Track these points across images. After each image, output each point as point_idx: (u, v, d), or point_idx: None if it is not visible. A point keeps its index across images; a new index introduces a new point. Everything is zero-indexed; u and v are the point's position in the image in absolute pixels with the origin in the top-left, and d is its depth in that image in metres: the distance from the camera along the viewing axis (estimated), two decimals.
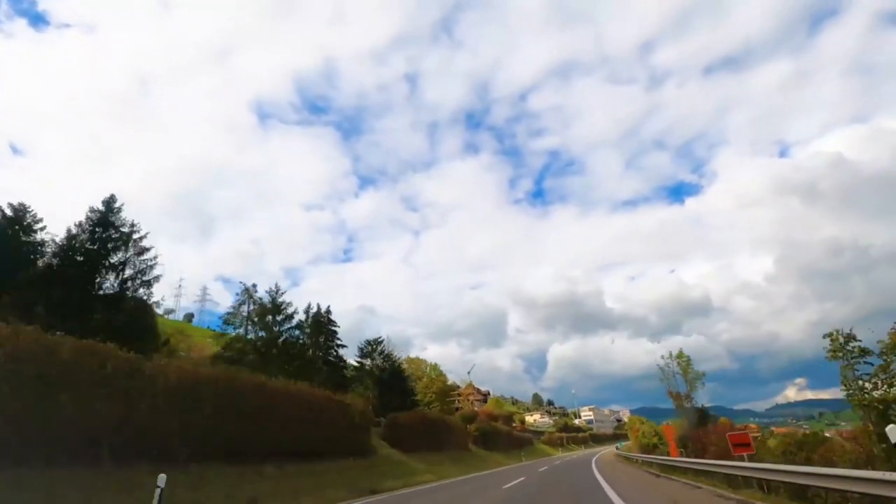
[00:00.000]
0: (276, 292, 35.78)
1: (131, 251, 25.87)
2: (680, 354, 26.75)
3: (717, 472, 13.60)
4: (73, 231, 24.39)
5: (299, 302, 62.09)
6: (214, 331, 39.65)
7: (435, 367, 71.43)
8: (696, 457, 19.65)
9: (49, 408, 8.30)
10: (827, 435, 15.24)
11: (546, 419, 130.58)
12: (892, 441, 7.17)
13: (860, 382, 11.92)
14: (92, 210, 25.08)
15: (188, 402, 11.49)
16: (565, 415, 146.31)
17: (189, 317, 79.14)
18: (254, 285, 35.85)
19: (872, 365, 11.71)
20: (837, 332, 12.32)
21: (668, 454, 27.13)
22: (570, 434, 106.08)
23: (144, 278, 26.26)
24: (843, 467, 10.27)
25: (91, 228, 24.85)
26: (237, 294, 35.84)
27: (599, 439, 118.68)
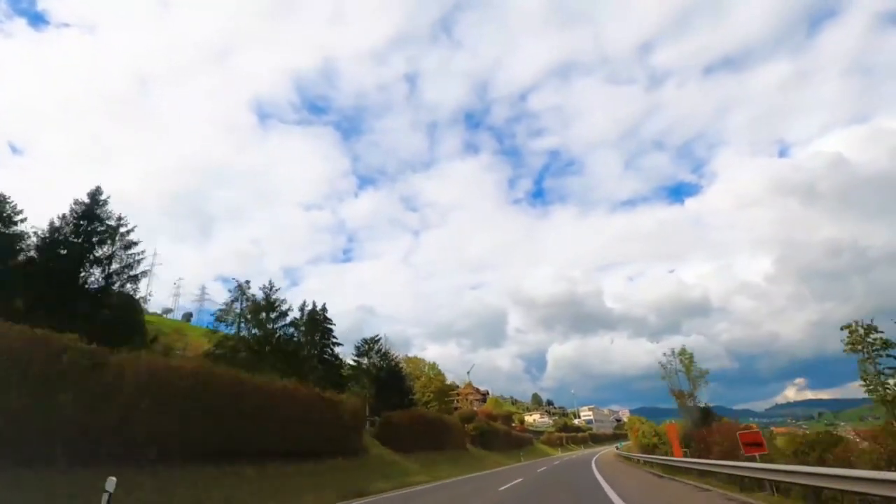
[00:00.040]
0: (271, 289, 35.02)
1: (118, 245, 25.11)
2: (683, 351, 26.06)
3: (724, 472, 12.93)
4: (57, 224, 23.60)
5: (299, 302, 61.37)
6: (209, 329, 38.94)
7: (433, 366, 70.77)
8: (700, 457, 18.98)
9: None
10: (841, 434, 14.47)
11: (545, 419, 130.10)
12: None
13: (882, 377, 11.12)
14: (76, 202, 24.28)
15: (159, 399, 10.69)
16: (565, 415, 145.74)
17: (188, 316, 78.72)
18: (247, 282, 35.10)
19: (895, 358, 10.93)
20: (857, 323, 11.54)
21: (668, 454, 26.47)
22: (570, 434, 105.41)
23: (131, 273, 25.51)
24: (863, 468, 9.59)
25: (75, 221, 24.07)
26: (230, 291, 35.01)
27: (599, 439, 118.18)
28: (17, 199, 23.45)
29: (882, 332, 11.26)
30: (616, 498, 11.19)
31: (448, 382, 78.09)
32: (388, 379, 43.12)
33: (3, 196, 22.61)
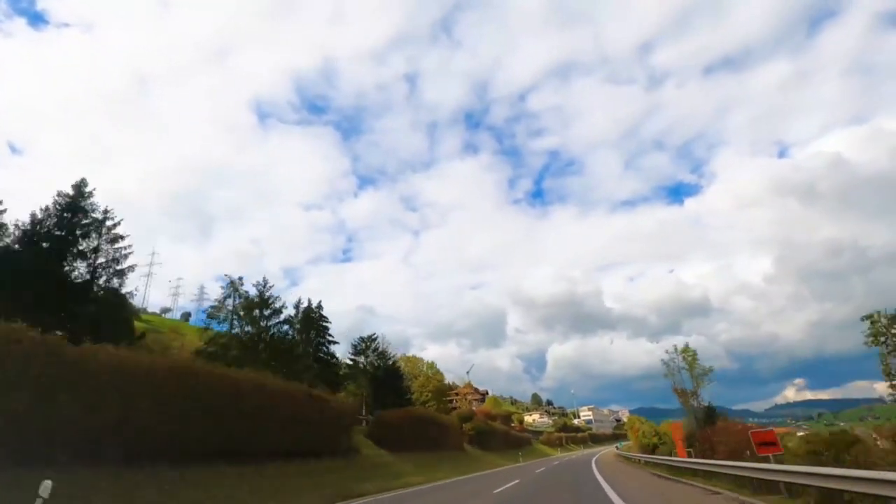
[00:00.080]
0: (264, 286, 34.24)
1: (103, 238, 24.37)
2: (686, 349, 25.28)
3: (733, 474, 12.21)
4: (39, 216, 22.84)
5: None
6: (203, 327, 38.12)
7: (431, 365, 70.11)
8: (705, 457, 18.28)
9: None
10: (857, 433, 13.73)
11: (545, 419, 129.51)
12: None
13: None
14: (60, 194, 23.52)
15: (125, 394, 9.91)
16: (564, 415, 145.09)
17: (186, 316, 78.60)
18: (240, 278, 34.33)
19: None
20: (879, 313, 10.79)
21: (670, 454, 25.74)
22: (570, 434, 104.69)
23: (118, 268, 24.80)
24: (889, 470, 8.88)
25: (59, 213, 23.32)
26: (222, 287, 34.19)
27: (598, 439, 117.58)
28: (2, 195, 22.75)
29: None
30: (620, 502, 10.45)
31: (447, 382, 77.48)
32: (385, 378, 42.49)
33: None
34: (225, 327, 33.40)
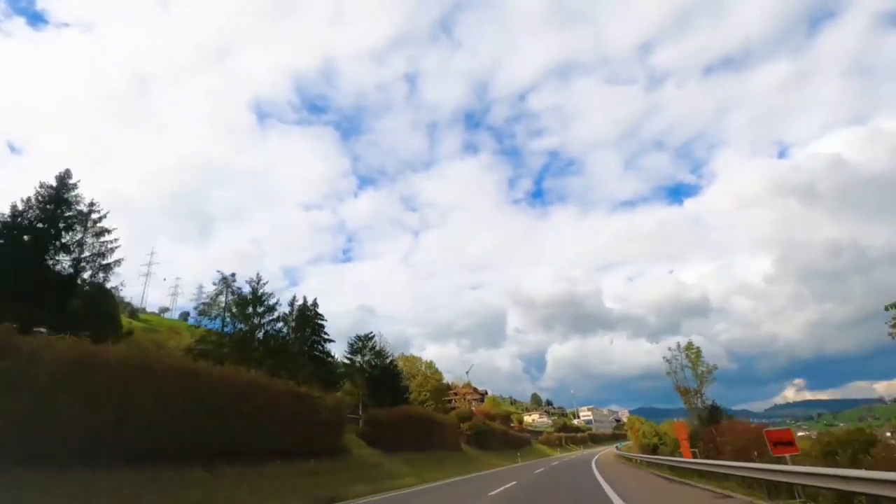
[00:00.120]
0: (258, 282, 33.46)
1: (88, 232, 23.60)
2: (689, 346, 24.54)
3: (742, 475, 11.48)
4: (21, 208, 22.06)
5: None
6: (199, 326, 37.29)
7: (430, 364, 69.31)
8: (709, 457, 17.58)
9: None
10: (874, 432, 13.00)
11: (545, 419, 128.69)
12: None
13: None
14: (42, 185, 22.75)
15: (88, 391, 9.15)
16: (564, 415, 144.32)
17: (185, 315, 77.88)
18: (232, 274, 33.56)
19: None
20: None
21: (673, 454, 25.02)
22: (569, 434, 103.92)
23: (103, 262, 24.02)
24: None
25: (42, 205, 22.55)
26: (214, 283, 33.38)
27: (598, 439, 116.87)
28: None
29: None
30: None
31: (446, 382, 76.63)
32: (382, 377, 41.72)
33: None
34: (217, 324, 32.71)
